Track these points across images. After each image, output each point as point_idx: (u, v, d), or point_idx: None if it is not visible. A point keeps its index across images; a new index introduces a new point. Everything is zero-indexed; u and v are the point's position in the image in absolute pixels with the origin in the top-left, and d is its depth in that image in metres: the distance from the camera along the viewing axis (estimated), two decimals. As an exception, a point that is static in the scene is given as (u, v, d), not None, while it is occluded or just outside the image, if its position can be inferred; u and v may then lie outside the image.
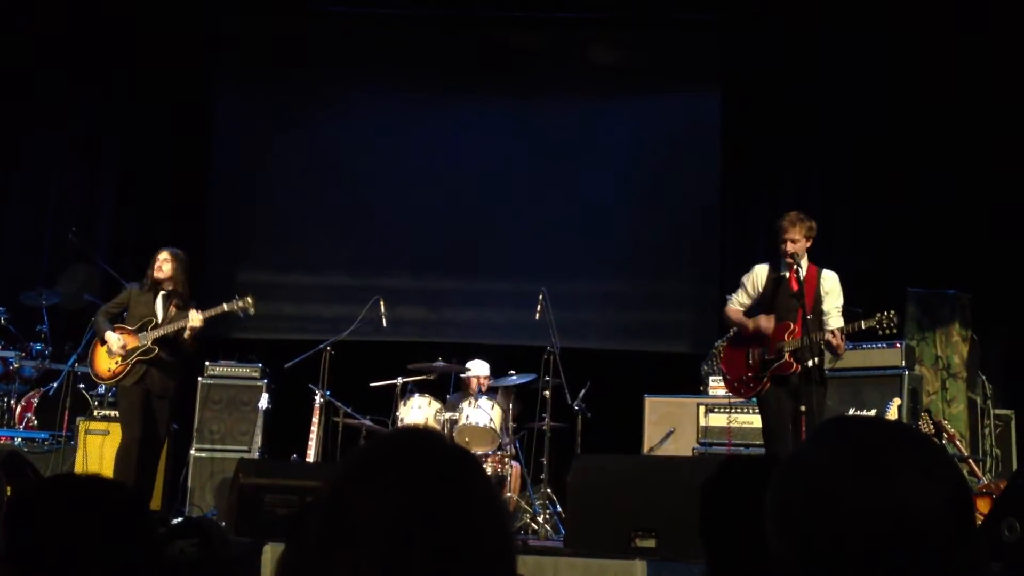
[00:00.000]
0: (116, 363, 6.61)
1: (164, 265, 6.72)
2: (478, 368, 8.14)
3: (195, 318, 6.57)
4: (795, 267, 5.85)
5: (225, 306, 6.78)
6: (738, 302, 6.16)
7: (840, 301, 5.97)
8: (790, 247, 5.85)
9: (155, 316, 6.68)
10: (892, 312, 5.70)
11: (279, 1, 10.01)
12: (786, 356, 5.81)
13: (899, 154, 9.03)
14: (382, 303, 7.79)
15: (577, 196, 9.79)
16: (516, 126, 10.02)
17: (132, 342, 6.61)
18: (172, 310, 6.70)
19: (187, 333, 6.62)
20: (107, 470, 6.58)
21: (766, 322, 5.91)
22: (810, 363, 5.65)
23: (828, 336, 5.70)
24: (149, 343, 6.59)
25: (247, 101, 10.33)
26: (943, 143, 8.85)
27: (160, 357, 6.61)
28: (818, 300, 5.89)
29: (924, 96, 8.92)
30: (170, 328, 6.62)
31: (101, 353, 6.70)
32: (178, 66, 9.72)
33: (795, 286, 5.86)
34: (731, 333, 6.51)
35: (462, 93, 10.16)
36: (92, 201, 9.83)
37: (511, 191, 9.85)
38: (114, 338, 6.61)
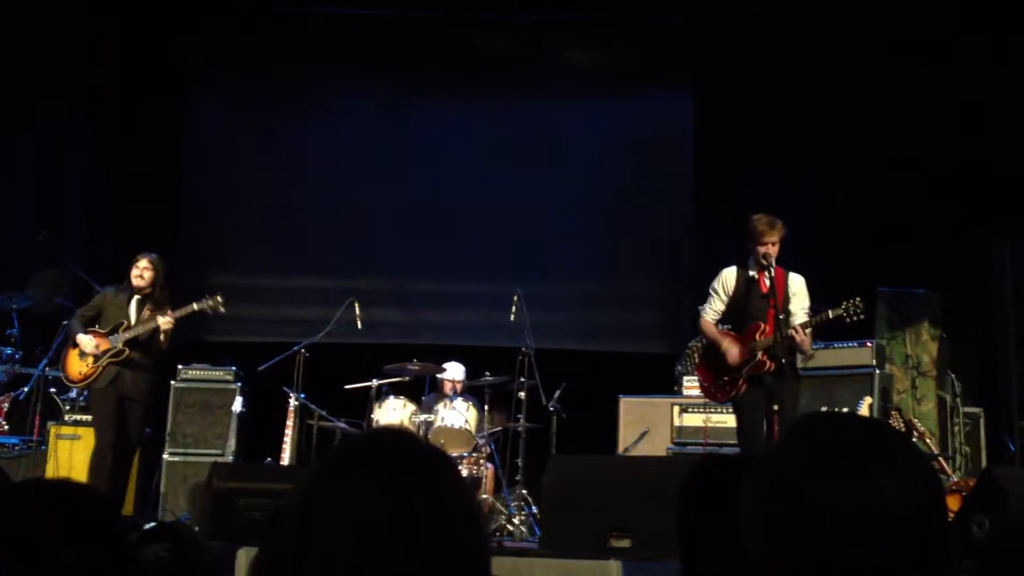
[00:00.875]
0: (88, 365, 6.59)
1: (145, 273, 6.72)
2: (453, 371, 8.13)
3: (165, 321, 6.57)
4: (768, 268, 5.88)
5: (195, 305, 6.78)
6: (712, 311, 6.15)
7: (807, 303, 6.01)
8: (771, 249, 5.86)
9: (128, 319, 6.68)
10: (858, 299, 5.73)
11: (252, 2, 9.95)
12: (759, 355, 5.84)
13: (868, 154, 9.11)
14: (356, 305, 7.76)
15: (551, 197, 9.81)
16: (490, 128, 10.03)
17: (104, 344, 6.61)
18: (146, 313, 6.69)
19: (162, 337, 6.63)
20: (78, 475, 6.53)
21: (733, 350, 5.91)
22: (783, 360, 5.69)
23: (791, 332, 5.71)
24: (120, 345, 6.58)
25: (219, 102, 10.26)
26: (911, 143, 8.93)
27: (131, 359, 6.60)
28: (787, 300, 5.94)
29: (892, 98, 9.00)
30: (140, 330, 6.62)
31: (73, 356, 6.69)
32: (150, 67, 9.65)
33: (765, 287, 5.91)
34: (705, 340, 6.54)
35: (435, 95, 10.14)
36: (62, 204, 9.73)
37: (485, 192, 9.85)
38: (86, 339, 6.62)
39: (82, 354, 6.62)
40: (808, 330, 5.85)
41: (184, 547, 2.66)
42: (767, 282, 5.90)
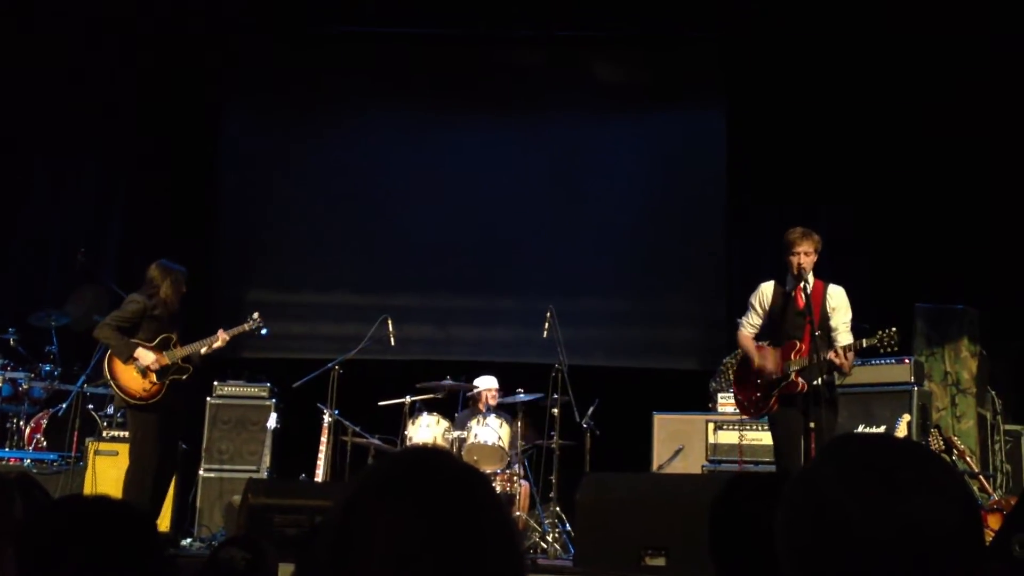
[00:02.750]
0: (152, 382, 6.43)
1: (184, 286, 6.67)
2: (486, 383, 8.13)
3: (223, 338, 6.59)
4: (804, 282, 5.81)
5: (245, 326, 6.80)
6: (749, 324, 6.10)
7: (848, 316, 5.88)
8: (803, 260, 5.79)
9: (172, 334, 6.58)
10: (893, 329, 5.58)
11: (285, 23, 10.06)
12: (792, 376, 5.76)
13: (906, 168, 9.03)
14: (390, 322, 7.80)
15: (584, 213, 9.82)
16: (523, 145, 10.06)
17: (163, 359, 6.46)
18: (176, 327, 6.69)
19: (212, 349, 6.62)
20: (116, 491, 6.53)
21: (771, 365, 5.86)
22: (817, 382, 5.57)
23: (831, 356, 5.61)
24: (180, 361, 6.51)
25: (254, 120, 10.38)
26: (950, 156, 8.85)
27: (190, 377, 6.58)
28: (825, 317, 5.83)
29: (930, 109, 8.92)
30: (191, 350, 6.55)
31: (129, 372, 6.44)
32: (185, 86, 9.79)
33: (801, 303, 5.77)
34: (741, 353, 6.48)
35: (468, 112, 10.21)
36: (100, 221, 9.87)
37: (518, 209, 9.87)
38: (150, 356, 6.42)
39: (143, 368, 6.39)
40: (850, 353, 5.73)
41: (262, 562, 2.70)
42: (803, 298, 5.80)
